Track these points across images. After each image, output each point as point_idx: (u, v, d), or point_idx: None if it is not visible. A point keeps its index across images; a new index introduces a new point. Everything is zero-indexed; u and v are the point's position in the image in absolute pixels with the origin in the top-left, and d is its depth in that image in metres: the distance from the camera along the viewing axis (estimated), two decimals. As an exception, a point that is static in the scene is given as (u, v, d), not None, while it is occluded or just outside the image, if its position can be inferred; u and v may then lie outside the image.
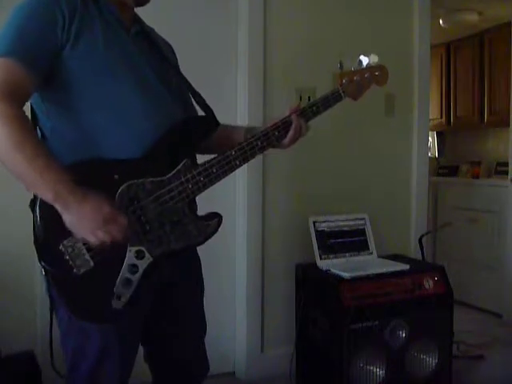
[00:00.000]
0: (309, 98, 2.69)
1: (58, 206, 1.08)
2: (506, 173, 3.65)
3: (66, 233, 1.11)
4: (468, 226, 3.96)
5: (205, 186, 1.25)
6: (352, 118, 2.70)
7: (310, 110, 1.38)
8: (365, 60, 1.46)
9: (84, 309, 1.17)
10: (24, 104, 1.14)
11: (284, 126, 1.36)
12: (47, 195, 1.08)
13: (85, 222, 1.09)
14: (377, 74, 1.48)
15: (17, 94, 1.10)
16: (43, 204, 1.11)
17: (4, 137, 1.06)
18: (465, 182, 4.23)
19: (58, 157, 1.14)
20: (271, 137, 1.34)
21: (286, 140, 1.37)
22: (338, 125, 2.67)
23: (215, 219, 1.28)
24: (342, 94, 1.43)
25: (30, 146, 1.07)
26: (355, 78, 1.44)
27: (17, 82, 1.10)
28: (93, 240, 1.11)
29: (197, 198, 1.30)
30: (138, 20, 1.36)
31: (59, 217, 1.09)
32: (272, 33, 2.64)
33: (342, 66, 1.44)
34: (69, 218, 1.09)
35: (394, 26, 2.94)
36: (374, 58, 1.47)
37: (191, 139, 1.28)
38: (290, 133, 1.36)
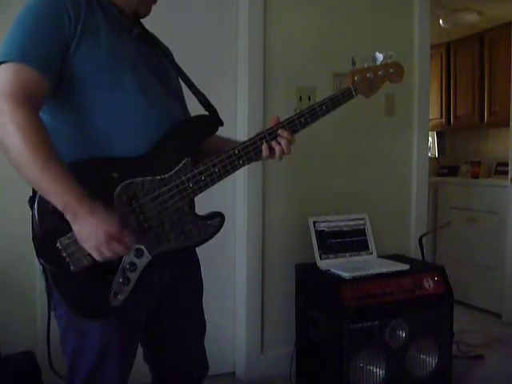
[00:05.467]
0: (309, 97, 2.69)
1: (67, 217, 1.09)
2: (506, 173, 3.64)
3: (64, 229, 1.11)
4: (468, 226, 3.96)
5: (206, 186, 1.25)
6: (352, 117, 2.70)
7: (320, 108, 1.35)
8: (379, 56, 1.43)
9: (82, 306, 1.17)
10: (40, 109, 1.14)
11: (289, 126, 1.34)
12: (58, 205, 1.09)
13: (90, 237, 1.09)
14: (391, 72, 1.45)
15: (32, 99, 1.10)
16: (41, 201, 1.11)
17: (18, 144, 1.06)
18: (465, 182, 4.23)
19: (60, 155, 1.14)
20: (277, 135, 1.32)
21: (269, 153, 1.32)
22: (337, 124, 2.67)
23: (217, 219, 1.27)
24: (354, 93, 1.40)
25: (42, 153, 1.07)
26: (368, 75, 1.41)
27: (32, 87, 1.10)
28: (95, 255, 1.11)
29: (196, 198, 1.29)
30: (139, 23, 1.36)
31: (57, 214, 1.10)
32: (272, 33, 2.64)
33: (354, 63, 1.41)
34: (77, 230, 1.10)
35: (394, 26, 2.94)
36: (390, 55, 1.44)
37: (193, 138, 1.28)
38: (274, 146, 1.32)
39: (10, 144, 1.06)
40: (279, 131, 1.32)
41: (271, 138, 1.32)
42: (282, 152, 1.33)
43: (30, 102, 1.09)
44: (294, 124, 1.34)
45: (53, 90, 1.17)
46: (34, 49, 1.11)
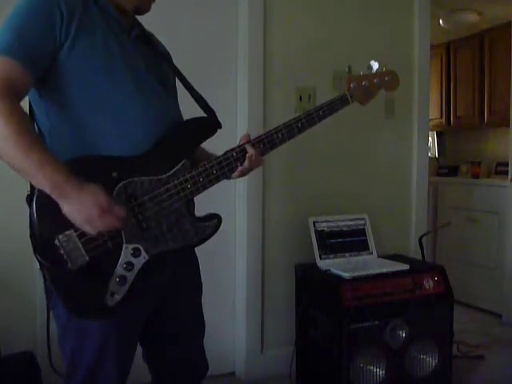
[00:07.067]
0: (309, 97, 2.69)
1: (54, 196, 1.09)
2: (506, 173, 3.64)
3: (62, 227, 1.12)
4: (468, 226, 3.96)
5: (204, 187, 1.25)
6: (352, 118, 2.69)
7: (317, 113, 1.37)
8: (375, 65, 1.45)
9: (78, 305, 1.17)
10: (21, 100, 1.14)
11: (286, 130, 1.34)
12: (44, 185, 1.08)
13: (81, 210, 1.09)
14: (387, 80, 1.47)
15: (13, 90, 1.10)
16: (39, 199, 1.11)
17: (1, 130, 1.06)
18: (465, 182, 4.23)
19: (57, 155, 1.15)
20: (275, 139, 1.33)
21: (237, 171, 1.31)
22: (337, 124, 2.66)
23: (214, 220, 1.28)
24: (350, 99, 1.42)
25: (27, 137, 1.08)
26: (363, 82, 1.44)
27: (13, 79, 1.10)
28: (89, 229, 1.11)
29: (197, 198, 1.29)
30: (137, 23, 1.37)
31: (55, 211, 1.10)
32: (272, 33, 2.64)
33: (350, 70, 1.44)
34: (66, 207, 1.09)
35: (394, 26, 2.94)
36: (385, 63, 1.46)
37: (192, 140, 1.28)
38: (245, 163, 1.30)
39: None
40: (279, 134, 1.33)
41: (267, 142, 1.32)
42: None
43: (10, 93, 1.09)
44: (292, 128, 1.35)
45: (48, 88, 1.17)
46: (20, 43, 1.12)
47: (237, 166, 1.29)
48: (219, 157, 1.28)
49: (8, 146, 1.07)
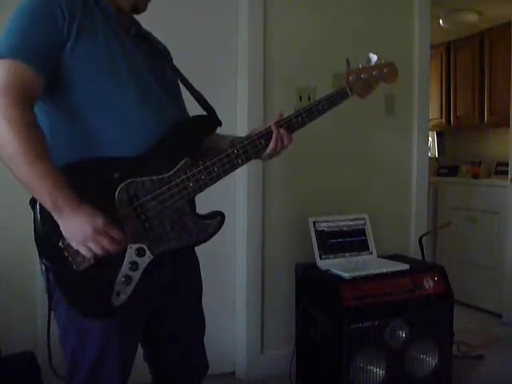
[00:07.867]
0: (309, 97, 2.69)
1: (54, 214, 1.10)
2: (506, 173, 3.64)
3: None
4: (468, 226, 3.96)
5: (206, 185, 1.25)
6: (352, 117, 2.70)
7: (316, 108, 1.37)
8: (373, 57, 1.44)
9: (85, 305, 1.18)
10: (34, 105, 1.14)
11: (286, 125, 1.34)
12: (46, 203, 1.09)
13: (77, 232, 1.10)
14: (385, 72, 1.46)
15: (27, 96, 1.10)
16: None
17: (11, 140, 1.06)
18: (465, 182, 4.23)
19: (57, 155, 1.15)
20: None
21: (267, 152, 1.33)
22: (337, 124, 2.67)
23: (217, 218, 1.28)
24: (349, 92, 1.41)
25: (35, 152, 1.08)
26: (362, 75, 1.42)
27: (26, 83, 1.10)
28: (84, 251, 1.12)
29: (197, 197, 1.29)
30: (135, 22, 1.37)
31: None
32: (272, 33, 2.64)
33: (349, 64, 1.42)
34: (63, 227, 1.11)
35: (393, 26, 2.94)
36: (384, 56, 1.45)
37: (193, 138, 1.28)
38: (270, 145, 1.32)
39: (4, 140, 1.07)
40: (276, 129, 1.33)
41: (268, 138, 1.33)
42: (277, 149, 1.34)
43: (24, 99, 1.09)
44: (292, 123, 1.35)
45: (49, 89, 1.17)
46: (28, 46, 1.11)
47: (238, 163, 1.29)
48: (220, 154, 1.27)
49: (15, 157, 1.07)
